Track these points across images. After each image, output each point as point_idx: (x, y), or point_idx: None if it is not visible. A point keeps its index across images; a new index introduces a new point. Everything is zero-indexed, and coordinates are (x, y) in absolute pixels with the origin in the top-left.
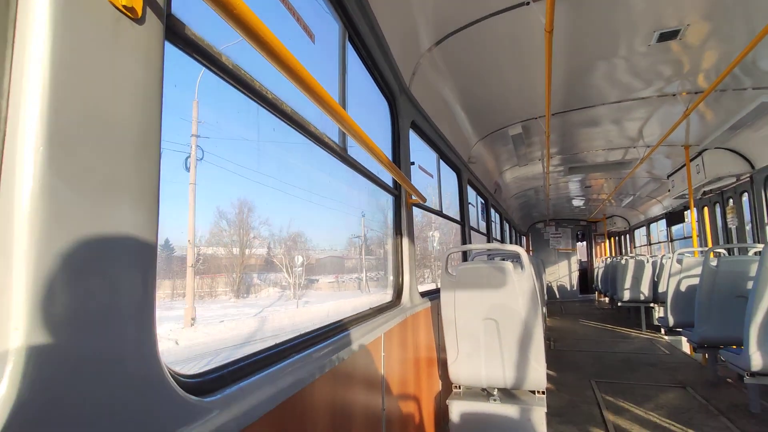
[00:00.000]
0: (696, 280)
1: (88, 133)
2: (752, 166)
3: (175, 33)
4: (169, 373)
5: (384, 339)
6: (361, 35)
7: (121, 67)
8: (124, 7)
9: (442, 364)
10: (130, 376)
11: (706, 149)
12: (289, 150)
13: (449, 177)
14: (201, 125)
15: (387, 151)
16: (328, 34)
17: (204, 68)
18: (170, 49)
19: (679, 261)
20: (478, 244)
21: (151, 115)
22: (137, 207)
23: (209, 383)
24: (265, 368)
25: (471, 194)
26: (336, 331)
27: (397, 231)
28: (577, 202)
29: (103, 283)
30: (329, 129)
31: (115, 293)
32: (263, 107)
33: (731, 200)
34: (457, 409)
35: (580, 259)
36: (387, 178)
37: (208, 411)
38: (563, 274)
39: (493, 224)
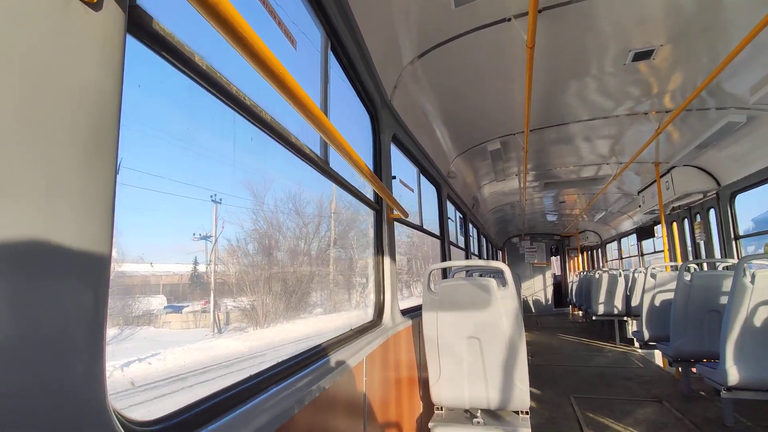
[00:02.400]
0: (669, 295)
1: (28, 134)
2: (718, 183)
3: (140, 26)
4: (120, 419)
5: (366, 362)
6: (343, 45)
7: (72, 61)
8: None
9: (424, 385)
10: (67, 421)
11: (675, 166)
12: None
13: (429, 192)
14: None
15: (368, 165)
16: (309, 42)
17: (174, 69)
18: (134, 44)
19: (653, 276)
20: (457, 259)
21: (107, 116)
22: (87, 217)
23: (171, 430)
24: (240, 405)
25: (450, 209)
26: (317, 356)
27: (379, 247)
28: (552, 217)
29: (42, 308)
30: (310, 140)
31: (54, 317)
32: (240, 114)
33: (699, 216)
34: None
35: (555, 273)
36: (368, 193)
37: None
38: (538, 288)
39: (471, 239)
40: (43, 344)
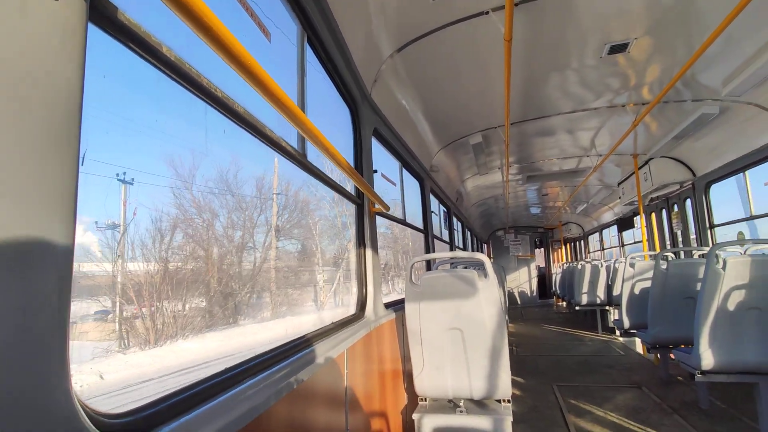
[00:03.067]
0: (648, 283)
1: None
2: (694, 174)
3: (104, 16)
4: (87, 412)
5: (347, 355)
6: (320, 38)
7: (30, 50)
8: None
9: (408, 377)
10: (31, 417)
11: (653, 158)
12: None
13: (412, 186)
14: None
15: (349, 159)
16: (285, 35)
17: (142, 59)
18: (98, 34)
19: (632, 265)
20: (441, 252)
21: (68, 106)
22: (47, 213)
23: (142, 421)
24: (214, 397)
25: (434, 203)
26: (295, 349)
27: (360, 241)
28: (535, 210)
29: (3, 305)
30: (287, 133)
31: (16, 314)
32: (212, 106)
33: (676, 206)
34: (423, 422)
35: (539, 265)
36: (349, 186)
37: None
38: (523, 280)
39: (455, 232)
40: (5, 341)
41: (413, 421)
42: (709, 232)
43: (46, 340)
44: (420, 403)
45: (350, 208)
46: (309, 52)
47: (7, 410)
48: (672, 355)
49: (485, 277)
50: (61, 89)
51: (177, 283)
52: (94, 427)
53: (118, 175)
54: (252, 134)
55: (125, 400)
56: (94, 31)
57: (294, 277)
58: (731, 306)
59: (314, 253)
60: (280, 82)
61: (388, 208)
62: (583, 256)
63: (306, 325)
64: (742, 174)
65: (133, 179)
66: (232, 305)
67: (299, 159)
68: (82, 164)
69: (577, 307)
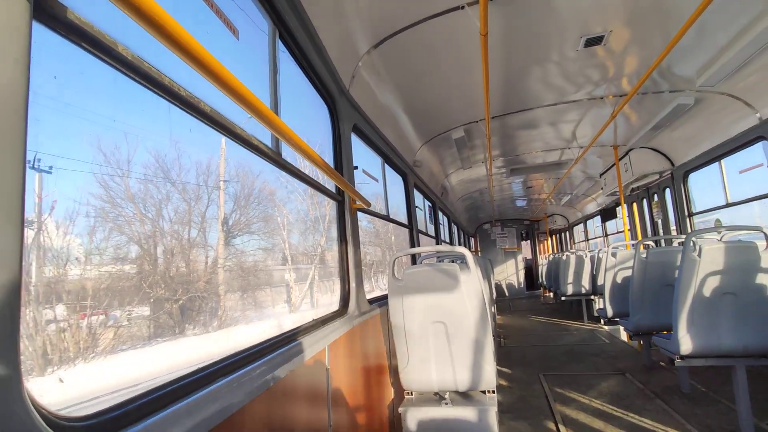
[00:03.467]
0: (629, 272)
1: None
2: (672, 164)
3: (51, 15)
4: (44, 415)
5: (329, 351)
6: (293, 34)
7: None
8: None
9: (394, 371)
10: None
11: (633, 149)
12: None
13: (395, 181)
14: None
15: (329, 155)
16: (255, 31)
17: (96, 59)
18: (47, 34)
19: (614, 255)
20: (425, 247)
21: (11, 109)
22: None
23: (106, 424)
24: (183, 398)
25: (418, 198)
26: (272, 347)
27: (342, 237)
28: (520, 203)
29: None
30: (259, 130)
31: None
32: (176, 105)
33: (656, 195)
34: (409, 416)
35: (525, 257)
36: (329, 182)
37: None
38: (511, 272)
39: (441, 227)
40: None
41: (400, 414)
42: (687, 220)
43: None
44: (406, 396)
45: (325, 200)
46: (282, 49)
47: None
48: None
49: (467, 270)
50: (5, 90)
51: (109, 288)
52: (51, 431)
53: (31, 161)
54: (221, 133)
55: None
56: (41, 30)
57: (253, 277)
58: (707, 292)
59: (281, 250)
60: (252, 79)
61: (369, 204)
62: (569, 247)
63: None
64: (718, 162)
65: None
66: (174, 312)
67: (274, 157)
68: (32, 167)
69: (563, 298)
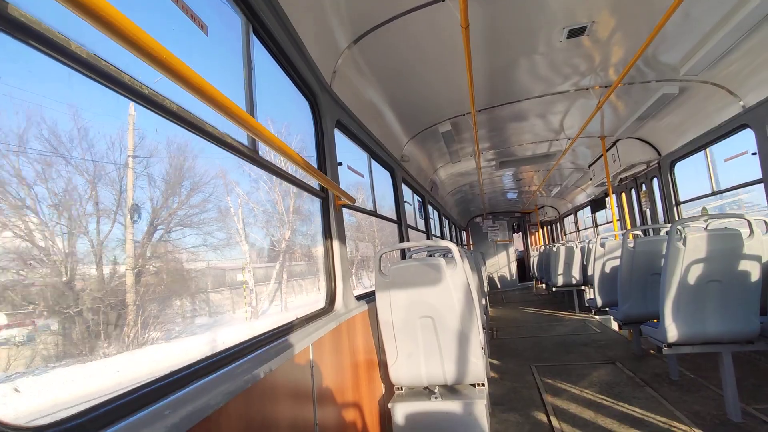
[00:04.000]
0: (618, 262)
1: None
2: (659, 153)
3: None
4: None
5: (313, 349)
6: (268, 29)
7: None
8: None
9: (383, 367)
10: None
11: (620, 139)
12: None
13: (383, 176)
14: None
15: (311, 151)
16: (227, 27)
17: (48, 57)
18: None
19: (602, 245)
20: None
21: None
22: None
23: None
24: (152, 403)
25: (407, 193)
26: (251, 348)
27: (327, 234)
28: (511, 195)
29: None
30: (233, 127)
31: None
32: (138, 104)
33: (644, 185)
34: (399, 410)
35: (517, 249)
36: (312, 179)
37: None
38: (503, 264)
39: (431, 221)
40: None
41: (389, 409)
42: (675, 209)
43: None
44: (396, 391)
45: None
46: (257, 45)
47: None
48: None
49: (454, 264)
50: None
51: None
52: None
53: None
54: (191, 131)
55: None
56: None
57: (192, 280)
58: (692, 280)
59: (237, 244)
60: (225, 76)
61: (354, 201)
62: (560, 238)
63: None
64: (704, 151)
65: None
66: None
67: (251, 155)
68: None
69: (554, 289)
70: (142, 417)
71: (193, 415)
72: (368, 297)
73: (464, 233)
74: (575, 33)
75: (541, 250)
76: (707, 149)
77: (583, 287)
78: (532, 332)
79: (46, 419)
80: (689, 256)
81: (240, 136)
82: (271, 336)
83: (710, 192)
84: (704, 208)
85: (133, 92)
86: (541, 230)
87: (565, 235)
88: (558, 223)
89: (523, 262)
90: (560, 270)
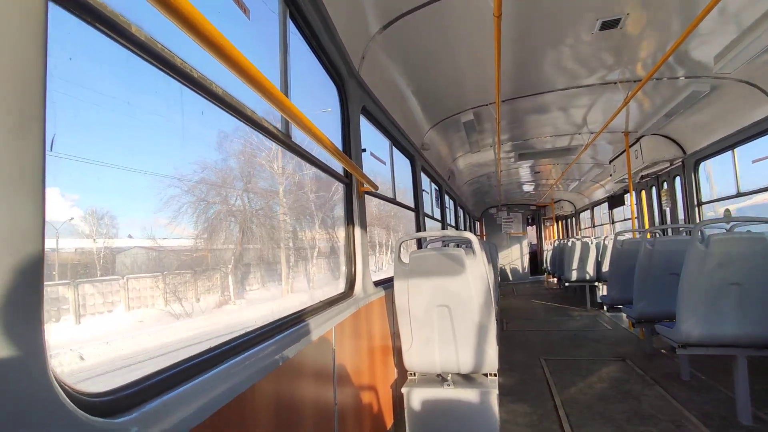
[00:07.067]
0: (635, 260)
1: None
2: (684, 152)
3: None
4: (66, 389)
5: (335, 332)
6: (304, 13)
7: None
8: None
9: (398, 352)
10: (6, 394)
11: (644, 135)
12: None
13: (403, 164)
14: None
15: (337, 137)
16: (266, 11)
17: (110, 40)
18: (62, 15)
19: (620, 242)
20: (432, 231)
21: (31, 91)
22: (16, 196)
23: (123, 400)
24: (195, 376)
25: (425, 181)
26: (280, 328)
27: (349, 220)
28: (527, 188)
29: None
30: (270, 112)
31: None
32: (188, 87)
33: (665, 184)
34: (412, 395)
35: (531, 243)
36: (337, 165)
37: None
38: (515, 257)
39: (447, 211)
40: None
41: (402, 394)
42: (696, 209)
43: (21, 320)
44: (409, 377)
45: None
46: (292, 30)
47: None
48: (656, 329)
49: (473, 255)
50: (24, 71)
51: None
52: (74, 406)
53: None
54: (232, 115)
55: None
56: (56, 11)
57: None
58: (713, 282)
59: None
60: (263, 59)
61: (376, 188)
62: (575, 233)
63: None
64: (731, 152)
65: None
66: None
67: (284, 140)
68: (50, 149)
69: (566, 284)
70: (183, 391)
71: (230, 390)
72: (385, 283)
73: (478, 224)
74: (608, 25)
75: (556, 244)
76: (734, 149)
77: (596, 283)
78: (542, 325)
79: (105, 386)
80: (711, 258)
81: (275, 121)
82: (297, 317)
83: (735, 193)
84: (727, 210)
85: (184, 75)
86: (556, 224)
87: (581, 230)
88: (573, 218)
89: (535, 255)
90: (574, 265)
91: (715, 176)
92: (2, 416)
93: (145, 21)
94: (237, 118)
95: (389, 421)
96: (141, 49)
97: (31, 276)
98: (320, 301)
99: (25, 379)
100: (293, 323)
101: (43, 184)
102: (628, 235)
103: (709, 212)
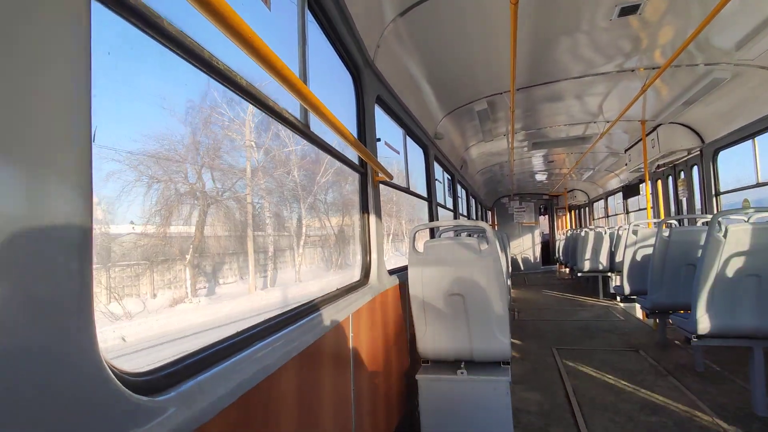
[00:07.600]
0: (650, 250)
1: (9, 114)
2: (702, 141)
3: None
4: (114, 371)
5: (352, 319)
6: (321, 4)
7: (39, 29)
8: None
9: (411, 340)
10: (64, 376)
11: (661, 124)
12: None
13: (416, 153)
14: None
15: (352, 127)
16: (285, 1)
17: (144, 34)
18: (100, 10)
19: (635, 232)
20: (444, 220)
21: (78, 85)
22: (68, 190)
23: (162, 380)
24: (226, 359)
25: (438, 170)
26: (302, 314)
27: (364, 209)
28: (540, 177)
29: (32, 274)
30: (289, 103)
31: (46, 284)
32: (214, 79)
33: (682, 173)
34: (425, 383)
35: (543, 232)
36: (352, 155)
37: (162, 410)
38: (527, 246)
39: (459, 200)
40: (35, 307)
41: (416, 381)
42: (714, 199)
43: (72, 301)
44: (423, 364)
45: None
46: (310, 19)
47: (39, 370)
48: (670, 321)
49: (487, 244)
50: (72, 66)
51: None
52: (122, 385)
53: None
54: (254, 105)
55: None
56: (96, 6)
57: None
58: (730, 273)
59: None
60: (282, 50)
61: (391, 177)
62: (588, 223)
63: None
64: (751, 141)
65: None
66: None
67: (302, 129)
68: (94, 140)
69: (579, 274)
70: (216, 372)
71: (260, 372)
72: (398, 272)
73: (489, 213)
74: (627, 11)
75: (568, 234)
76: (755, 138)
77: (609, 274)
78: (554, 315)
79: (147, 366)
80: (729, 248)
81: (294, 111)
82: (316, 304)
83: (755, 183)
84: (746, 200)
85: (210, 67)
86: (568, 214)
87: (594, 220)
88: (587, 208)
89: (547, 245)
90: (587, 255)
91: (733, 166)
92: (62, 394)
93: (174, 14)
94: (259, 108)
95: (403, 407)
96: (172, 42)
97: (82, 265)
98: (337, 289)
99: (79, 360)
100: (313, 309)
101: (90, 176)
102: (643, 225)
103: (735, 203)
